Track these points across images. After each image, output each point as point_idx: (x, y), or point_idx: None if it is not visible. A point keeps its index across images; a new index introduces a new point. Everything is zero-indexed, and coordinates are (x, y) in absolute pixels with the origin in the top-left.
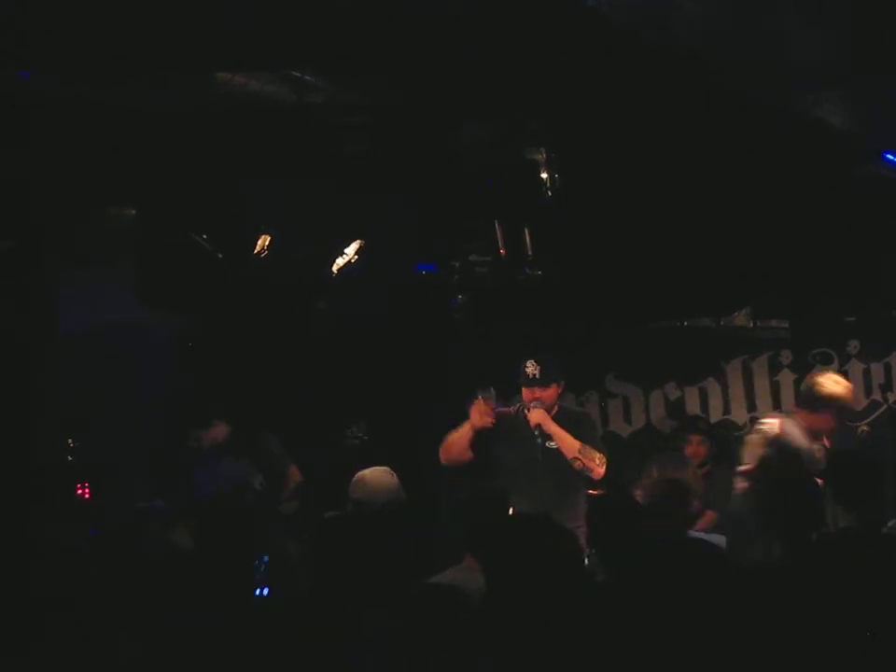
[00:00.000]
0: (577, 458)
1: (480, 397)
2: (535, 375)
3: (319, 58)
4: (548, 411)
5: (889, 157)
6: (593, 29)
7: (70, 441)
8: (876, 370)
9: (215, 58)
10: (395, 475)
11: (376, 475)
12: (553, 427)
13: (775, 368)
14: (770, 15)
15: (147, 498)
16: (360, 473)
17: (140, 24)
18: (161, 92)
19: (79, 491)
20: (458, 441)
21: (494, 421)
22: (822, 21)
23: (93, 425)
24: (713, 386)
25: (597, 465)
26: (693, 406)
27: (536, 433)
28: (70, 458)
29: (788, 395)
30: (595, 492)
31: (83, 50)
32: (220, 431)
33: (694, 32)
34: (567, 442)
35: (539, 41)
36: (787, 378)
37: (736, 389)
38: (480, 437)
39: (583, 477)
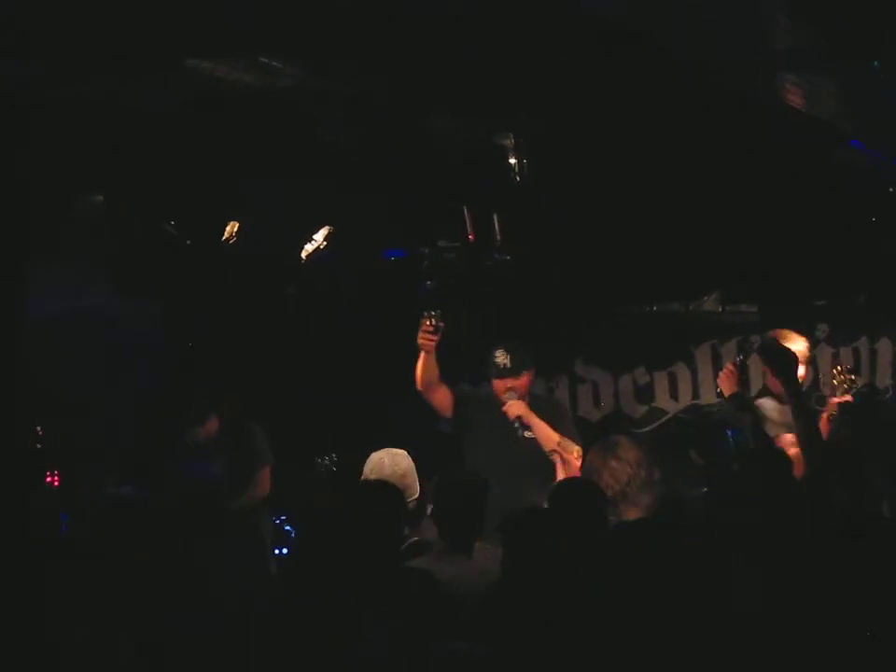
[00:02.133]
0: (555, 451)
1: (424, 317)
2: (505, 365)
3: (290, 44)
4: (521, 399)
5: (857, 143)
6: (559, 15)
7: (39, 428)
8: (845, 354)
9: (182, 45)
10: (408, 457)
11: (393, 458)
12: (532, 419)
13: (744, 352)
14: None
15: (116, 485)
16: (376, 455)
17: (109, 14)
18: (131, 81)
19: (49, 478)
20: (418, 369)
21: (435, 341)
22: (794, 8)
23: (64, 412)
24: (682, 371)
25: (575, 458)
26: (662, 391)
27: (515, 424)
28: (39, 446)
29: (756, 379)
30: None
31: (52, 39)
32: (213, 425)
33: (663, 17)
34: (546, 435)
35: (510, 28)
36: (756, 362)
37: (706, 374)
38: (458, 404)
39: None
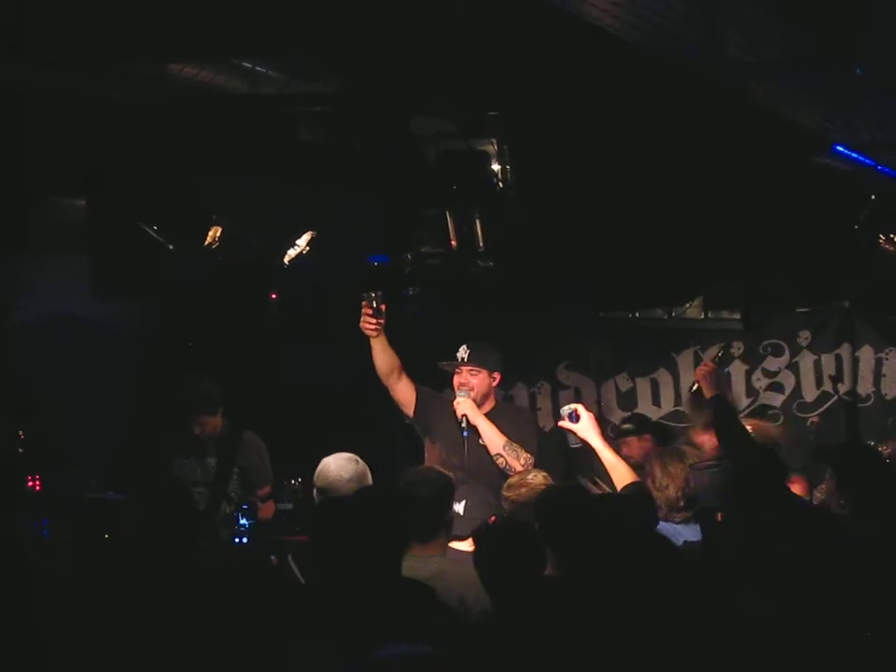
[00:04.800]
0: (500, 455)
1: (364, 300)
2: (463, 358)
3: (271, 46)
4: (479, 401)
5: (840, 148)
6: (543, 18)
7: (21, 432)
8: (827, 361)
9: (167, 48)
10: (360, 462)
11: (340, 463)
12: (479, 421)
13: (726, 359)
14: (726, 4)
15: (98, 490)
16: (325, 461)
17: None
18: (115, 83)
19: (30, 483)
20: (374, 358)
21: (378, 324)
22: (779, 11)
23: (46, 416)
24: (665, 378)
25: (521, 465)
26: (644, 397)
27: (462, 424)
28: (21, 450)
29: (739, 386)
30: None
31: (36, 38)
32: (218, 422)
33: (646, 20)
34: (491, 438)
35: (493, 30)
36: (738, 369)
37: (688, 380)
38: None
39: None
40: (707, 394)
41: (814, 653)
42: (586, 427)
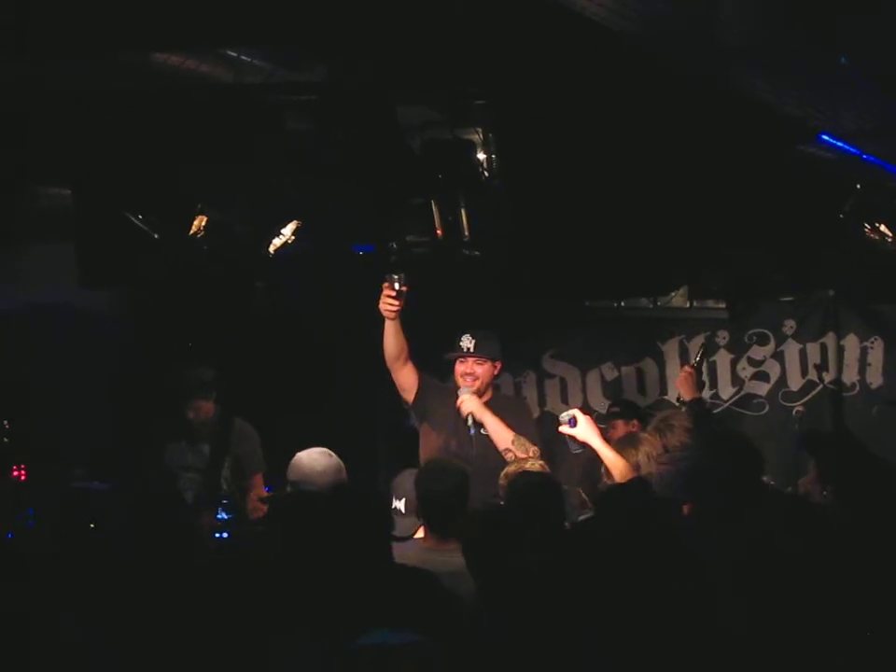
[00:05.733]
0: (509, 450)
1: (386, 282)
2: (469, 348)
3: (258, 35)
4: (480, 392)
5: (825, 137)
6: (529, 6)
7: (5, 422)
8: (812, 350)
9: (152, 36)
10: (333, 455)
11: (312, 456)
12: (486, 417)
13: (711, 348)
14: None
15: (84, 480)
16: (297, 455)
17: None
18: (100, 72)
19: (15, 473)
20: (385, 339)
21: (398, 307)
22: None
23: (32, 405)
24: (650, 367)
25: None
26: (629, 386)
27: (468, 422)
28: (6, 440)
29: (724, 375)
30: None
31: (20, 28)
32: (210, 408)
33: (632, 8)
34: (499, 433)
35: (479, 19)
36: (723, 358)
37: (673, 369)
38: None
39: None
40: (687, 397)
41: (799, 646)
42: (585, 430)
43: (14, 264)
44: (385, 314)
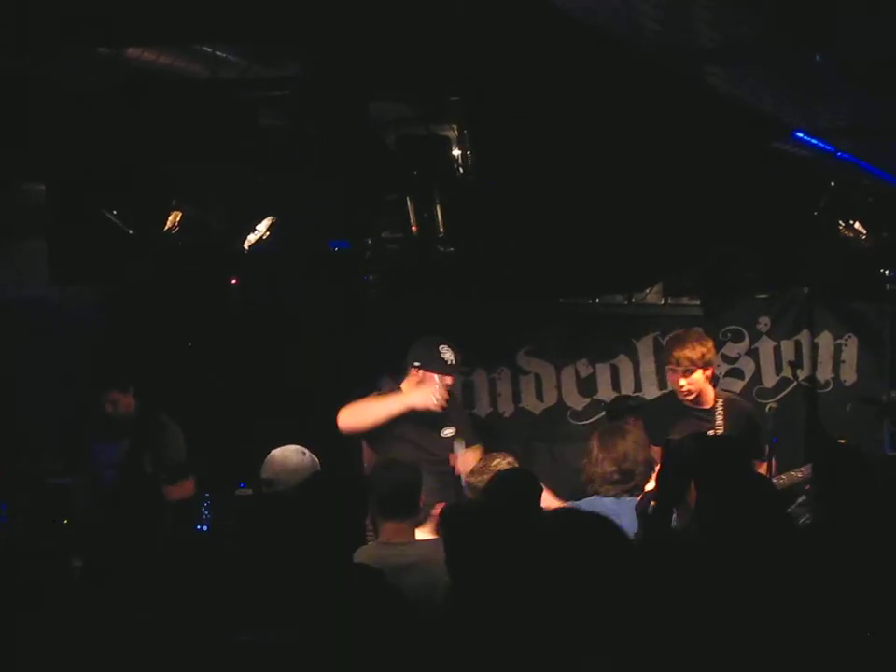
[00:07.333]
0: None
1: (433, 373)
2: (453, 362)
3: (231, 30)
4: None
5: (799, 135)
6: (503, 2)
7: None
8: (787, 347)
9: (125, 32)
10: (307, 453)
11: (286, 454)
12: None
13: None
14: None
15: (56, 475)
16: (272, 452)
17: None
18: (74, 67)
19: None
20: (378, 412)
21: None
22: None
23: (5, 401)
24: (625, 364)
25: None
26: (604, 383)
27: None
28: None
29: None
30: None
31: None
32: (129, 401)
33: (607, 4)
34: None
35: (453, 15)
36: None
37: (648, 366)
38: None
39: None
40: None
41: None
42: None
43: None
44: (432, 405)
